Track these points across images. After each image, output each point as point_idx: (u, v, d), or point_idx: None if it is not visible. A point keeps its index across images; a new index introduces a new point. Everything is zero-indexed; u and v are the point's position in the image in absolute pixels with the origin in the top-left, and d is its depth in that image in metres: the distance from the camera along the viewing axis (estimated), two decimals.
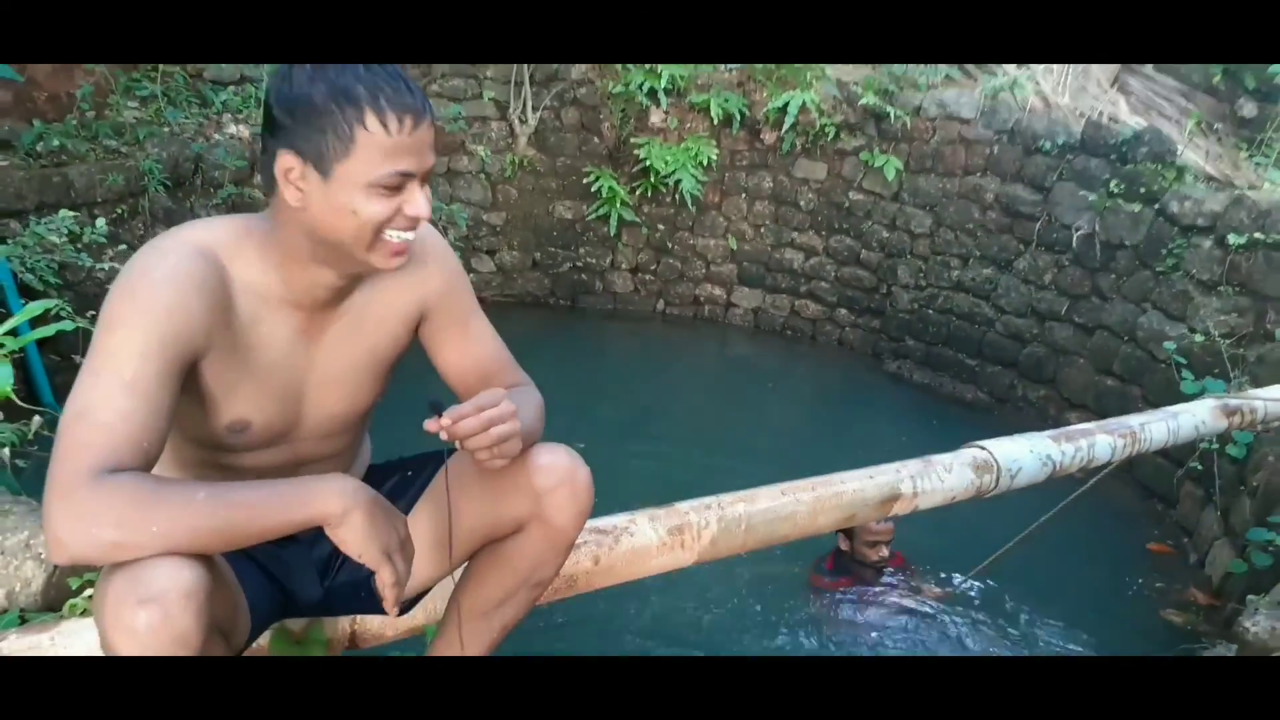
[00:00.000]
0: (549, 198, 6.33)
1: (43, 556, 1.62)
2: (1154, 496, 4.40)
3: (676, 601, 3.21)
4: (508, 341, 1.39)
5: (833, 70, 5.96)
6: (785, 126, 5.78)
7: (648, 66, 5.94)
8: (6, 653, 1.30)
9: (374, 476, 1.43)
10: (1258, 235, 4.19)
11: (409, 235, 1.13)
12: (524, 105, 6.09)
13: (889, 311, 6.01)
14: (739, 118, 5.94)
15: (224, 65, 5.39)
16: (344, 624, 1.49)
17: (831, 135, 5.85)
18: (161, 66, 5.00)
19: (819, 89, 5.81)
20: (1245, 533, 3.39)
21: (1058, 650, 3.21)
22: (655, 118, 6.06)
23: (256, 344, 1.16)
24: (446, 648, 1.38)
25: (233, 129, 5.14)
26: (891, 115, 5.62)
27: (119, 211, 4.36)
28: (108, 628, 0.94)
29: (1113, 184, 4.90)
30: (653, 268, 6.49)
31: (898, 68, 5.84)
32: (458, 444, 1.13)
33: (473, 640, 1.36)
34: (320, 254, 1.14)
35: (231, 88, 5.38)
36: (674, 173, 5.95)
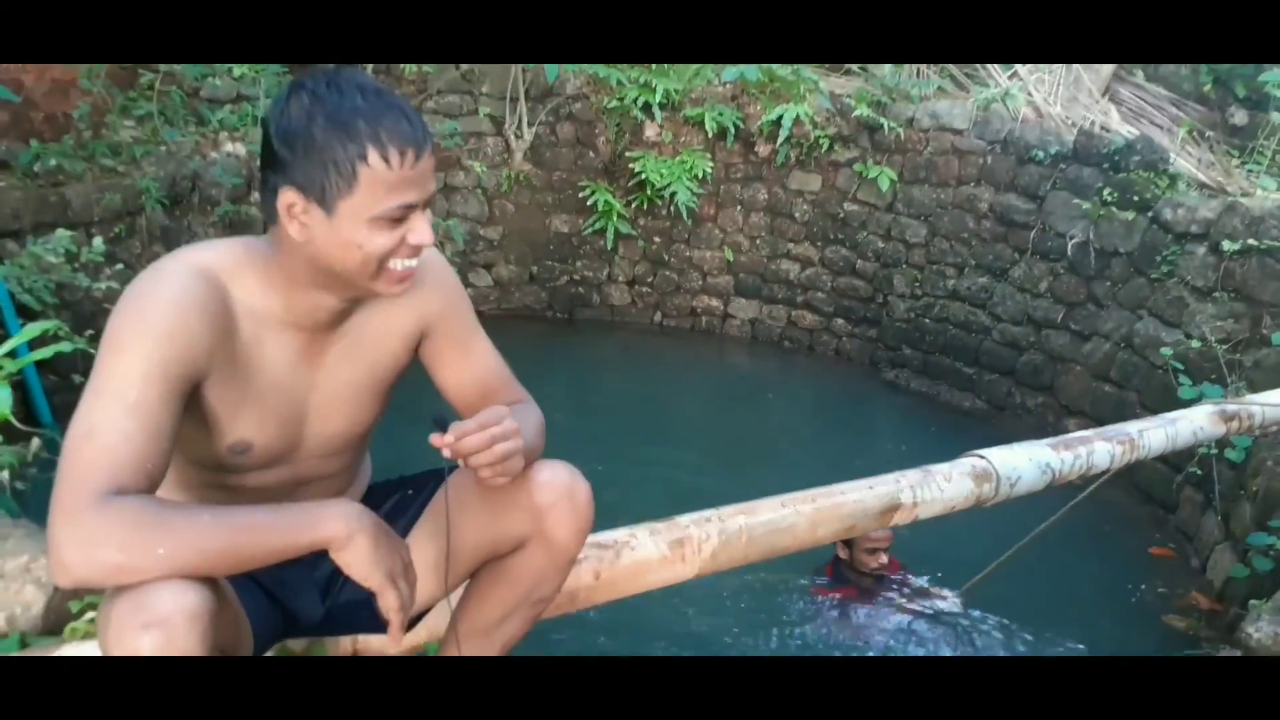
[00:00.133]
0: (545, 212, 6.34)
1: (43, 580, 1.61)
2: (1154, 502, 4.41)
3: (677, 609, 3.20)
4: (505, 355, 1.39)
5: (826, 83, 5.99)
6: (779, 139, 5.80)
7: (642, 81, 5.97)
8: None
9: (374, 495, 1.43)
10: (1251, 241, 4.21)
11: (413, 263, 1.14)
12: (519, 120, 6.10)
13: (885, 321, 6.02)
14: (733, 131, 5.96)
15: (220, 83, 5.40)
16: (345, 643, 1.49)
17: (825, 147, 5.87)
18: (158, 85, 5.01)
19: (812, 101, 5.83)
20: (1246, 537, 3.40)
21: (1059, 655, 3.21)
22: (650, 131, 6.08)
23: (258, 365, 1.16)
24: None
25: (229, 147, 5.14)
26: (885, 127, 5.65)
27: (116, 230, 4.36)
28: (112, 651, 0.95)
29: (1106, 192, 4.92)
30: (649, 280, 6.50)
31: (890, 79, 5.87)
32: (460, 461, 1.14)
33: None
34: (322, 280, 1.14)
35: (228, 106, 5.38)
36: (669, 186, 5.96)
